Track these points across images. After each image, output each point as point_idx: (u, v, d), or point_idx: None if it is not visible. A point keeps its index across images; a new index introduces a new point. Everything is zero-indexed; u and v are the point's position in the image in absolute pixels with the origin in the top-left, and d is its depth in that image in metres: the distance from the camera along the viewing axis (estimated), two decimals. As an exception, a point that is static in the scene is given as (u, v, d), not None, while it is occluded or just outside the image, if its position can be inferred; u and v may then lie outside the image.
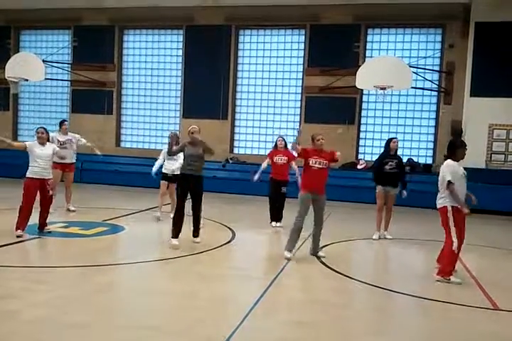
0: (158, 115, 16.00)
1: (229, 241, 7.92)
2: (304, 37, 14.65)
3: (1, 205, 9.77)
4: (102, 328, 4.25)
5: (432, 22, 13.85)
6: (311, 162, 6.91)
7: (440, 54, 13.80)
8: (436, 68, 13.84)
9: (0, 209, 9.40)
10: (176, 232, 7.28)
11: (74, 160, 9.97)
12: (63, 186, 9.84)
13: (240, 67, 15.34)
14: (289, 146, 8.49)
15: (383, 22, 14.07)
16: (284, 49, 14.98)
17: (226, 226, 9.07)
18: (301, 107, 14.77)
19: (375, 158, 10.28)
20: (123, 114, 16.31)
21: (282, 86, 15.06)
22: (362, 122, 14.50)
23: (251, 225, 9.53)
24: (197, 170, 7.34)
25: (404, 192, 8.63)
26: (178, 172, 7.95)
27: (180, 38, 15.57)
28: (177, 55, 15.71)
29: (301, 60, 14.77)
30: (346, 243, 8.34)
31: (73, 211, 9.74)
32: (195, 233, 7.62)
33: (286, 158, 9.10)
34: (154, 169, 9.35)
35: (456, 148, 6.23)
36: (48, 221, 7.84)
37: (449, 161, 6.24)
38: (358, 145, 14.55)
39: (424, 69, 13.34)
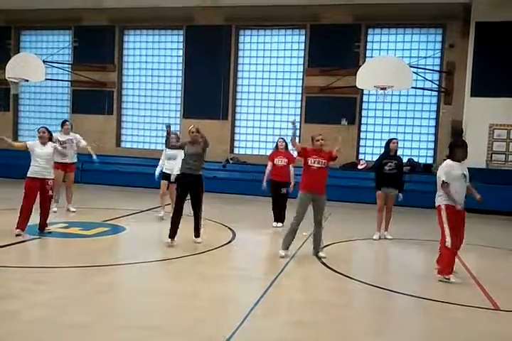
0: (158, 115, 15.99)
1: (229, 242, 7.92)
2: (304, 37, 14.65)
3: (1, 206, 9.77)
4: (102, 328, 4.25)
5: (432, 22, 13.83)
6: (310, 161, 6.94)
7: (440, 54, 13.79)
8: (437, 68, 13.83)
9: (0, 210, 9.40)
10: (172, 233, 7.31)
11: (75, 160, 9.98)
12: (64, 186, 9.84)
13: (240, 67, 15.34)
14: (289, 146, 8.51)
15: (383, 22, 14.06)
16: (284, 49, 14.97)
17: (226, 226, 9.08)
18: (301, 107, 14.77)
19: (375, 158, 10.27)
20: (123, 114, 16.31)
21: (282, 86, 15.06)
22: (362, 122, 14.51)
23: (251, 225, 9.53)
24: (196, 169, 7.37)
25: (400, 195, 8.61)
26: (176, 173, 7.97)
27: (181, 38, 15.57)
28: (177, 55, 15.70)
29: (301, 60, 14.77)
30: (346, 243, 8.34)
31: (73, 212, 9.75)
32: (196, 233, 7.63)
33: (286, 160, 9.23)
34: (157, 173, 9.41)
35: (455, 148, 6.23)
36: (48, 221, 7.85)
37: (447, 161, 6.24)
38: (358, 146, 14.55)
39: (425, 69, 13.33)
